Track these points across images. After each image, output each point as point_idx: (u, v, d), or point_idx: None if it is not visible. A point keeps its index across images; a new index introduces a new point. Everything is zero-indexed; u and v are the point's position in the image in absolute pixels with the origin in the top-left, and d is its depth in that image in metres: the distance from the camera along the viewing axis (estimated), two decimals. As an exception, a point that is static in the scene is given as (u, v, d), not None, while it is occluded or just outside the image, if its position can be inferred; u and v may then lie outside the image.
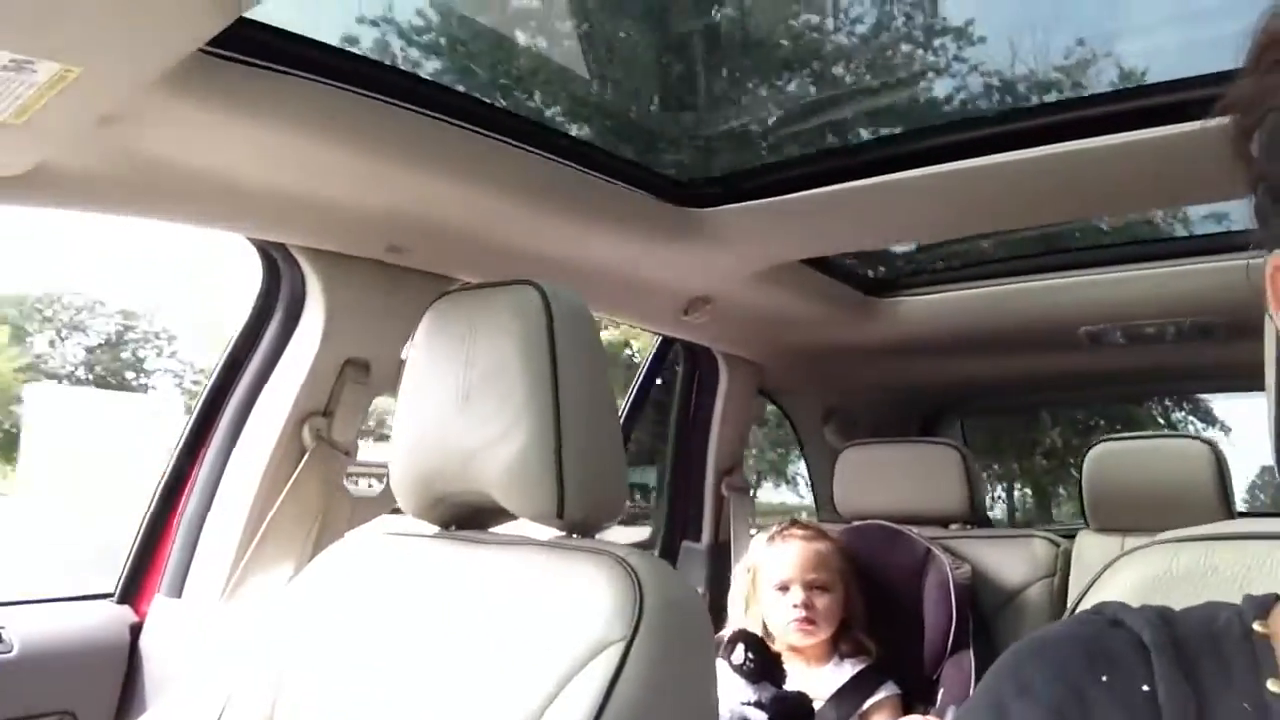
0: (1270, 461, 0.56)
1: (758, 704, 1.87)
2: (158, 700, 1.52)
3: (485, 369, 1.13)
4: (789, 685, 1.92)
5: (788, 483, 8.03)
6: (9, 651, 1.45)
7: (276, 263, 1.64)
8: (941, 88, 1.83)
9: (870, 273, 2.41)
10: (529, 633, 1.01)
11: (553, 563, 1.06)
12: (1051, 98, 1.60)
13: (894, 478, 2.42)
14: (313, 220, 1.49)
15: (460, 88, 1.39)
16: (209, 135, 1.20)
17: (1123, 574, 0.69)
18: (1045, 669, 0.48)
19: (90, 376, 13.72)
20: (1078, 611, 0.66)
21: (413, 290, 1.64)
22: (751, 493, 2.74)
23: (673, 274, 1.97)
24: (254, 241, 1.60)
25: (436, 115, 1.32)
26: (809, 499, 3.15)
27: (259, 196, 1.38)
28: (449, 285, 1.69)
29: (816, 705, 1.90)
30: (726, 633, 1.98)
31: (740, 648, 1.92)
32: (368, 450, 1.77)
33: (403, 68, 1.31)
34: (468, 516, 1.24)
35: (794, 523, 2.11)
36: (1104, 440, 2.41)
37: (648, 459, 3.31)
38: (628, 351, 6.12)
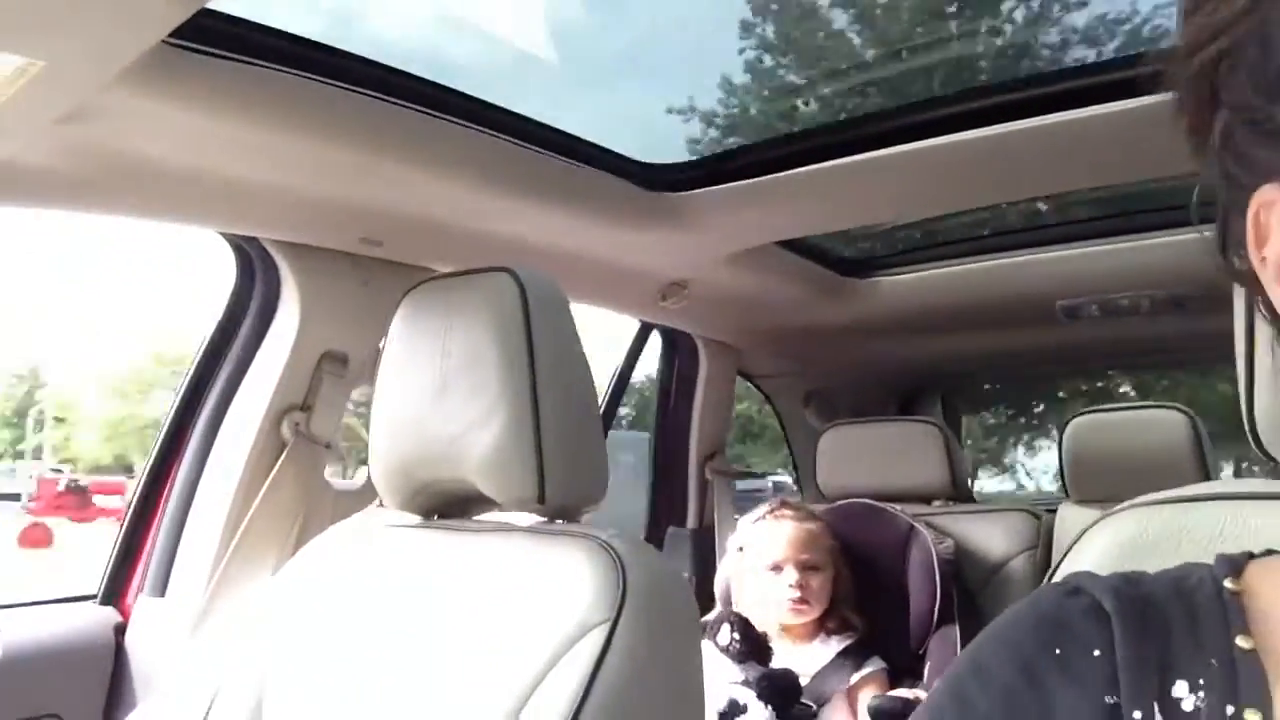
0: None
1: (745, 683, 1.88)
2: (144, 700, 1.52)
3: (462, 357, 1.13)
4: (776, 663, 1.94)
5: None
6: (-7, 656, 1.45)
7: (250, 257, 1.63)
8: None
9: (846, 253, 2.41)
10: (513, 618, 1.01)
11: (536, 548, 1.06)
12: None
13: (876, 456, 2.43)
14: (284, 213, 1.48)
15: (429, 77, 1.37)
16: (174, 129, 1.19)
17: (1097, 540, 0.68)
18: (1000, 649, 0.48)
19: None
20: (1047, 584, 0.67)
21: (388, 281, 1.64)
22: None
23: (648, 259, 1.97)
24: (226, 236, 1.59)
25: (406, 104, 1.31)
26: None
27: (229, 190, 1.37)
28: (424, 275, 1.68)
29: (803, 682, 1.91)
30: (711, 615, 1.99)
31: (726, 628, 1.94)
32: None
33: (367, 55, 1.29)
34: (450, 505, 1.24)
35: (783, 503, 2.12)
36: (1082, 413, 2.43)
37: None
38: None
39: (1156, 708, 0.43)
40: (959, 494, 2.42)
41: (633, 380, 2.64)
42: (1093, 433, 2.37)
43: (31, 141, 1.16)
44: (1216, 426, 2.37)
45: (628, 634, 0.95)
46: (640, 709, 0.96)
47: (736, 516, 2.49)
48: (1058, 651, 0.46)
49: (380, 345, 1.55)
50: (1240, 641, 0.44)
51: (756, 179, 1.66)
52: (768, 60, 2.32)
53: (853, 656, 1.97)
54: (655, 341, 2.65)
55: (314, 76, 1.21)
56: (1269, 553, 0.49)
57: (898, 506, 2.26)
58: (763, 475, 5.43)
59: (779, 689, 1.85)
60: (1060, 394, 5.88)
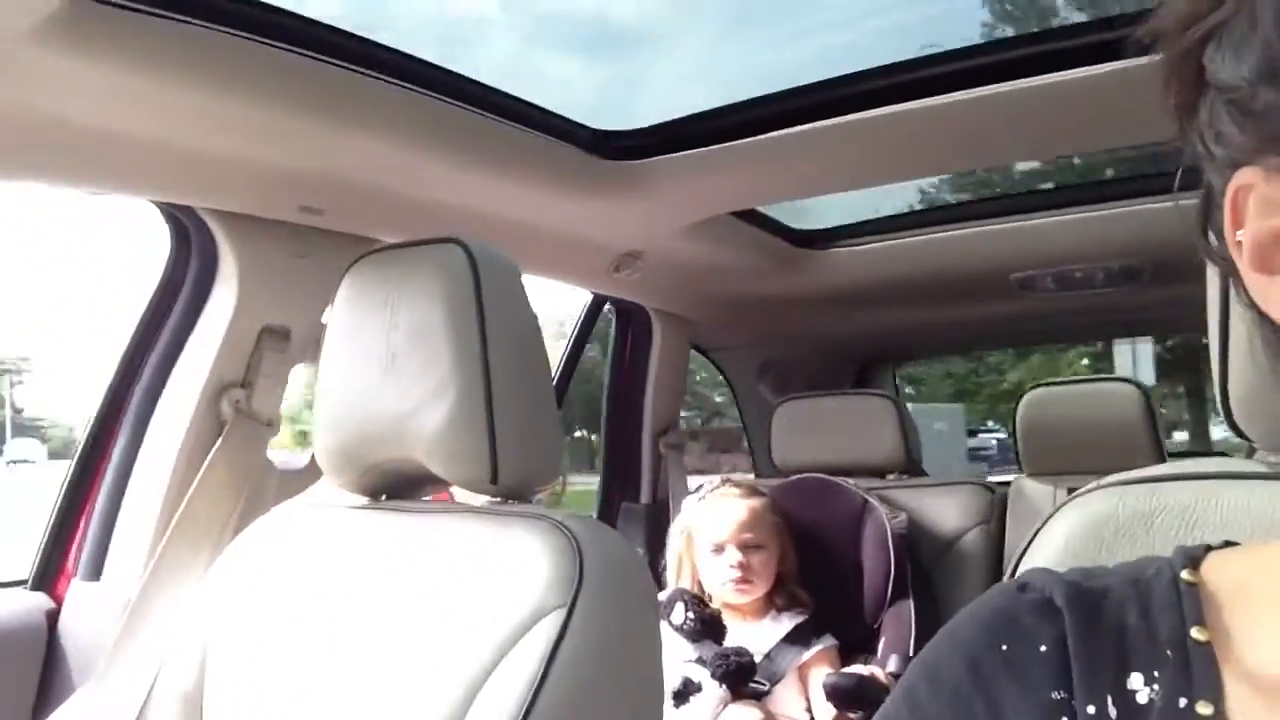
0: None
1: (699, 661, 1.87)
2: (79, 688, 1.46)
3: (410, 332, 1.09)
4: (728, 642, 1.93)
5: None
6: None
7: (185, 227, 1.56)
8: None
9: (801, 224, 2.39)
10: (466, 602, 0.98)
11: (489, 530, 1.03)
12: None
13: (830, 430, 2.44)
14: (218, 180, 1.41)
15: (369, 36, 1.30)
16: (94, 89, 1.12)
17: (1066, 519, 0.68)
18: (951, 650, 0.48)
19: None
20: (1018, 567, 0.66)
21: (331, 252, 1.58)
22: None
23: (601, 229, 1.93)
24: (160, 205, 1.52)
25: (345, 65, 1.24)
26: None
27: (158, 156, 1.30)
28: (368, 246, 1.63)
29: (756, 659, 1.90)
30: (665, 594, 1.98)
31: (680, 607, 1.93)
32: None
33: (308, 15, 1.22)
34: (398, 485, 1.20)
35: (726, 481, 2.11)
36: (1036, 386, 2.44)
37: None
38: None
39: (1110, 700, 0.43)
40: (911, 468, 2.43)
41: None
42: (1046, 406, 2.39)
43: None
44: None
45: (585, 618, 0.92)
46: (599, 694, 0.94)
47: (690, 491, 2.48)
48: (1004, 648, 0.46)
49: (323, 319, 1.49)
50: (1195, 633, 0.44)
51: (712, 146, 1.63)
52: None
53: (804, 634, 1.97)
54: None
55: (247, 34, 1.13)
56: (1227, 544, 0.49)
57: (851, 481, 2.26)
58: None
59: (733, 668, 1.84)
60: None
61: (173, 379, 1.58)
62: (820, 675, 1.90)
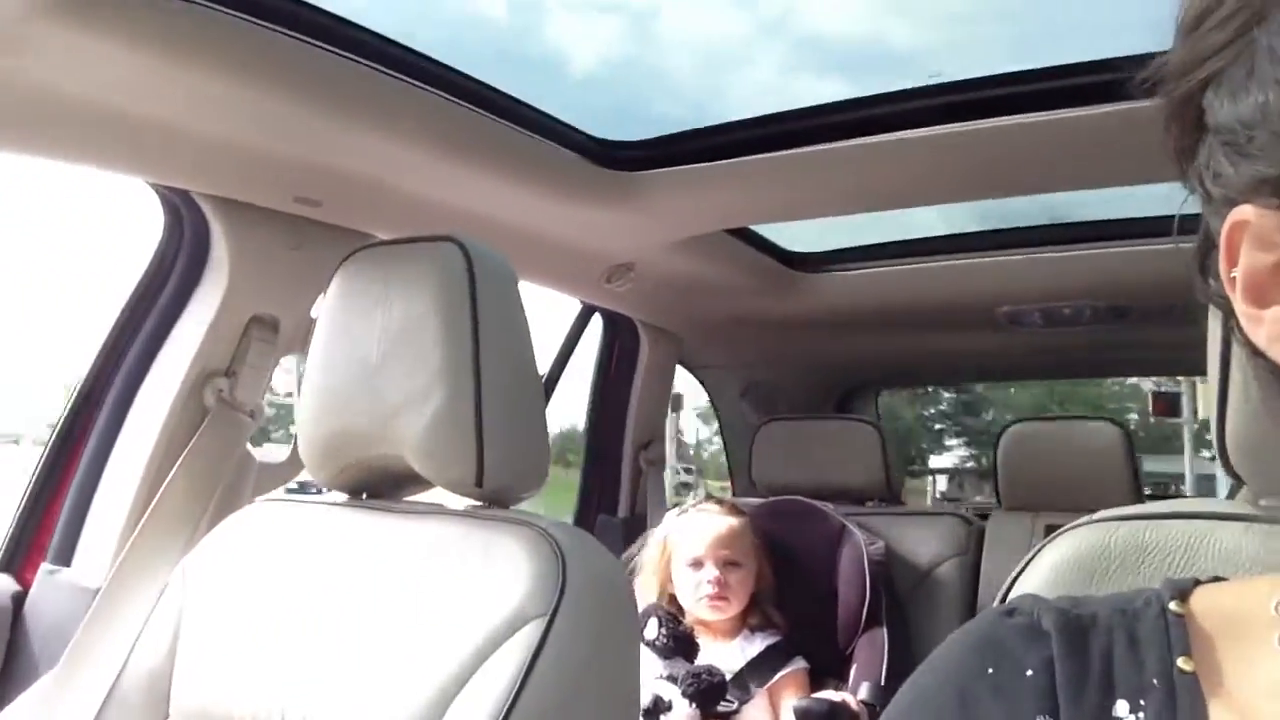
0: None
1: (670, 679, 1.86)
2: (43, 674, 1.44)
3: (401, 328, 1.08)
4: (699, 659, 1.92)
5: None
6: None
7: (179, 210, 1.54)
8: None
9: (793, 246, 2.39)
10: (446, 607, 0.97)
11: (471, 534, 1.02)
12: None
13: (811, 454, 2.44)
14: (215, 165, 1.39)
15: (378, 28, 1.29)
16: (98, 65, 1.10)
17: (1056, 551, 0.67)
18: (938, 674, 0.49)
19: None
20: (1008, 596, 0.66)
21: (325, 244, 1.57)
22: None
23: (596, 238, 1.92)
24: (155, 187, 1.51)
25: (350, 56, 1.23)
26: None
27: (156, 136, 1.28)
28: (362, 240, 1.62)
29: (727, 678, 1.89)
30: (638, 609, 1.96)
31: (653, 623, 1.92)
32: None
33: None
34: (380, 483, 1.19)
35: (708, 498, 2.11)
36: (1016, 421, 2.45)
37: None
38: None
39: None
40: (891, 496, 2.43)
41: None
42: (1026, 442, 2.40)
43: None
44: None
45: (565, 629, 0.91)
46: (576, 706, 0.92)
47: (666, 507, 2.47)
48: (990, 672, 0.46)
49: (313, 312, 1.48)
50: (1182, 663, 0.44)
51: (713, 162, 1.62)
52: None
53: (776, 655, 1.97)
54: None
55: (253, 19, 1.12)
56: (1216, 579, 0.50)
57: (830, 505, 2.25)
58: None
59: (704, 687, 1.83)
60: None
61: (156, 364, 1.56)
62: (790, 698, 1.89)
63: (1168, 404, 11.17)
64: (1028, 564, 0.68)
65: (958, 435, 16.29)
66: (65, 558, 1.56)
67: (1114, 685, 0.45)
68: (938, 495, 12.57)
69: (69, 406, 1.61)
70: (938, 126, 1.47)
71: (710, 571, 1.95)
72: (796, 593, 2.08)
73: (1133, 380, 11.45)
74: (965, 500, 10.63)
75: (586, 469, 2.68)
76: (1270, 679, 0.44)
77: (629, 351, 2.61)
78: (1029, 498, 2.33)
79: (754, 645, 1.97)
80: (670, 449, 2.82)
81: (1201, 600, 0.48)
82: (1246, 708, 0.43)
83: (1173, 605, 0.47)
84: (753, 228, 2.15)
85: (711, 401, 3.13)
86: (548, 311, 2.48)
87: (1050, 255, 2.13)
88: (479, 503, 1.09)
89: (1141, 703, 0.43)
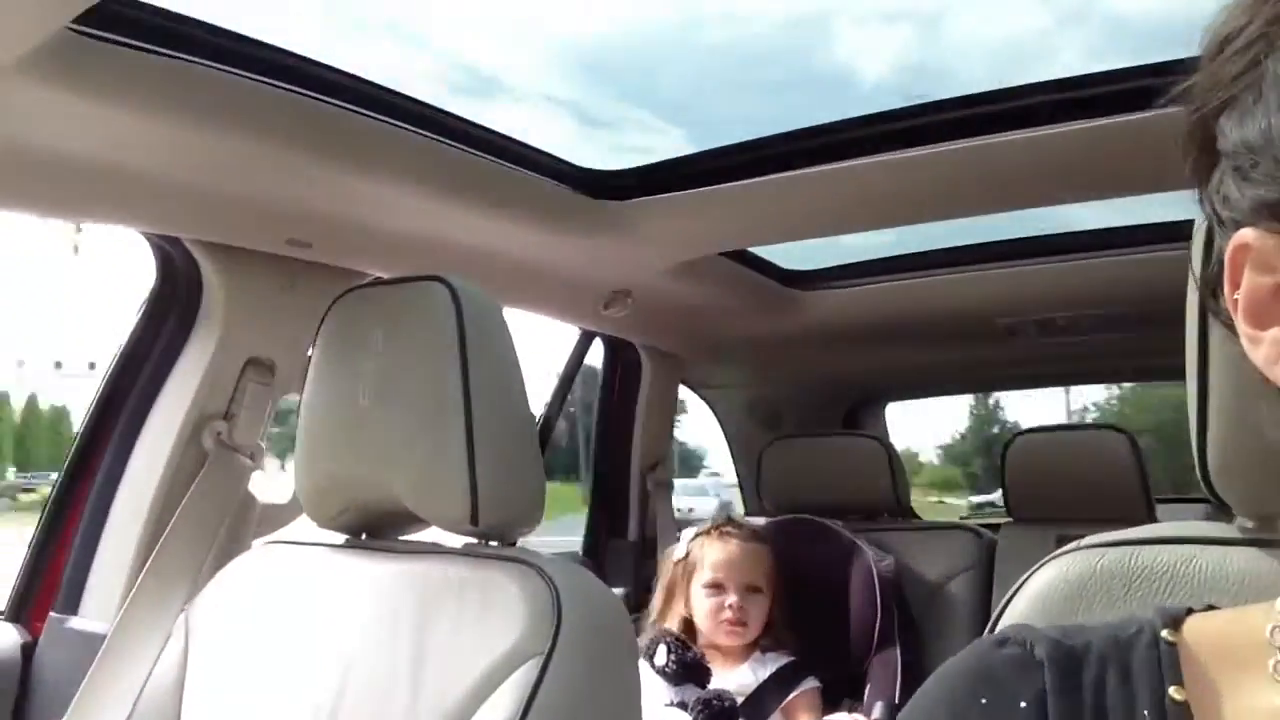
0: None
1: (680, 705, 1.85)
2: (54, 722, 1.44)
3: (391, 369, 1.08)
4: (712, 681, 1.91)
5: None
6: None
7: (172, 257, 1.55)
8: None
9: (791, 264, 2.39)
10: (444, 648, 0.97)
11: (467, 573, 1.02)
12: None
13: (819, 471, 2.43)
14: (207, 213, 1.40)
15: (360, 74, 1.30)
16: (85, 122, 1.11)
17: (1044, 578, 0.68)
18: (934, 704, 0.49)
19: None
20: (998, 624, 0.66)
21: (317, 284, 1.57)
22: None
23: (591, 267, 1.92)
24: (147, 236, 1.52)
25: (335, 101, 1.24)
26: None
27: (147, 187, 1.29)
28: (355, 279, 1.62)
29: (738, 700, 1.88)
30: (645, 637, 1.95)
31: (663, 649, 1.90)
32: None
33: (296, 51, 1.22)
34: (378, 523, 1.19)
35: (730, 521, 2.09)
36: (1024, 431, 2.43)
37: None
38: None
39: None
40: (901, 510, 2.42)
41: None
42: (1035, 452, 2.38)
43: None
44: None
45: (563, 667, 0.91)
46: None
47: (678, 530, 2.46)
48: (983, 701, 0.47)
49: (309, 352, 1.48)
50: (1174, 693, 0.45)
51: (701, 189, 1.63)
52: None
53: (789, 675, 1.95)
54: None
55: (236, 70, 1.13)
56: (1209, 608, 0.50)
57: (840, 523, 2.25)
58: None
59: (715, 712, 1.82)
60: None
61: (155, 409, 1.57)
62: (804, 718, 1.88)
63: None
64: (1016, 591, 0.69)
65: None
66: (73, 605, 1.56)
67: (1106, 716, 0.45)
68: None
69: (72, 454, 1.62)
70: (923, 147, 1.47)
71: (731, 597, 1.95)
72: (808, 612, 2.07)
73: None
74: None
75: (594, 493, 2.68)
76: (1265, 708, 0.44)
77: (632, 374, 2.60)
78: (1039, 509, 2.31)
79: (766, 667, 1.96)
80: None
81: (1194, 629, 0.48)
82: None
83: (1165, 634, 0.47)
84: (749, 249, 2.15)
85: (718, 421, 3.13)
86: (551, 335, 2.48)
87: (1046, 266, 2.12)
88: (475, 540, 1.09)
89: None
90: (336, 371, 1.13)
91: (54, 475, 1.69)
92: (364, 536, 1.20)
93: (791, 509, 2.36)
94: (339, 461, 1.13)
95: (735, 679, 1.93)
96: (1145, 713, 0.44)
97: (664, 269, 1.97)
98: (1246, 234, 0.43)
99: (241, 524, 1.57)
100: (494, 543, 1.08)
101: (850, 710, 1.95)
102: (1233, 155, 0.43)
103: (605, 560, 2.58)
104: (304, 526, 1.36)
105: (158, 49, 1.06)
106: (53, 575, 1.60)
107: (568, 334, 2.46)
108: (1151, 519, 2.20)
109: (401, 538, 1.21)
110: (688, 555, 2.05)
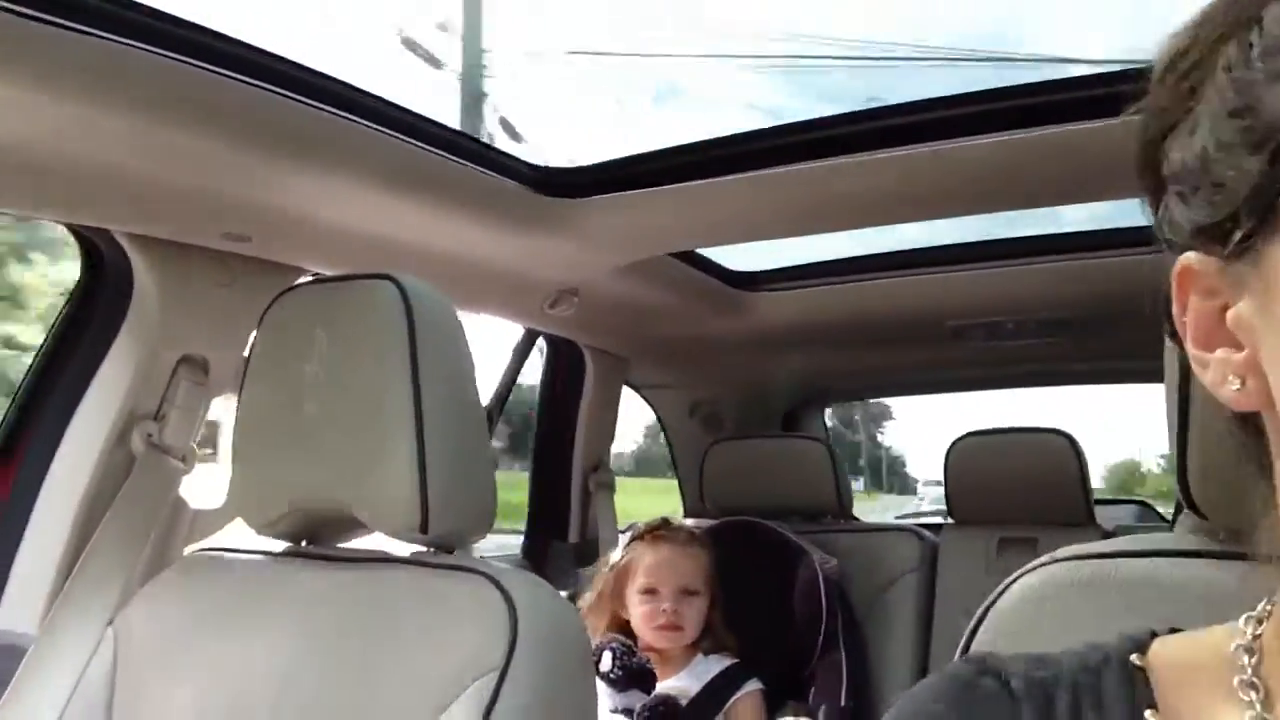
0: None
1: (626, 711, 1.83)
2: (-33, 737, 1.37)
3: (337, 369, 1.04)
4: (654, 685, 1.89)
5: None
6: None
7: (100, 250, 1.47)
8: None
9: (738, 266, 2.38)
10: (395, 663, 0.93)
11: (419, 584, 0.99)
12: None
13: (762, 473, 2.42)
14: (136, 203, 1.33)
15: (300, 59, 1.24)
16: (2, 106, 1.04)
17: (1010, 597, 0.68)
18: None
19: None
20: (972, 644, 0.67)
21: (256, 281, 1.51)
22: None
23: (537, 266, 1.89)
24: (71, 228, 1.44)
25: (273, 88, 1.18)
26: None
27: (70, 176, 1.22)
28: (296, 276, 1.56)
29: (682, 703, 1.87)
30: (594, 640, 1.93)
31: (607, 655, 1.89)
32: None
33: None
34: (319, 530, 1.14)
35: (665, 524, 2.07)
36: (966, 435, 2.45)
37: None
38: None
39: None
40: (843, 512, 2.42)
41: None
42: (976, 455, 2.39)
43: None
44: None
45: (521, 681, 0.88)
46: None
47: (619, 531, 2.44)
48: None
49: (246, 351, 1.43)
50: (1149, 716, 0.45)
51: (652, 189, 1.60)
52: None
53: (732, 677, 1.95)
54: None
55: (167, 52, 1.05)
56: (1173, 630, 0.51)
57: (783, 524, 2.24)
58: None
59: (659, 717, 1.80)
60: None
61: (81, 408, 1.49)
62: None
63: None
64: (987, 611, 0.68)
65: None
66: (-10, 616, 1.48)
67: None
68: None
69: (-10, 455, 1.54)
70: (876, 151, 1.46)
71: (666, 601, 1.93)
72: (751, 613, 2.06)
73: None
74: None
75: (534, 493, 2.64)
76: None
77: (574, 374, 2.57)
78: (981, 511, 2.33)
79: (709, 669, 1.95)
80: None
81: (1159, 652, 0.49)
82: None
83: (1134, 659, 0.48)
84: (697, 250, 2.13)
85: (660, 421, 3.11)
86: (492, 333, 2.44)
87: (994, 270, 2.13)
88: (425, 548, 1.06)
89: None
90: (277, 371, 1.09)
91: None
92: (305, 544, 1.16)
93: (734, 511, 2.36)
94: (278, 465, 1.09)
95: (677, 683, 1.92)
96: None
97: (612, 268, 1.94)
98: (1190, 258, 0.43)
99: (173, 530, 1.51)
100: (443, 551, 1.05)
101: (795, 713, 1.95)
102: (1175, 179, 0.44)
103: (545, 563, 2.54)
104: (239, 532, 1.31)
105: (83, 28, 0.99)
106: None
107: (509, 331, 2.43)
108: (1091, 521, 2.23)
109: (345, 545, 1.17)
110: (626, 560, 2.03)
